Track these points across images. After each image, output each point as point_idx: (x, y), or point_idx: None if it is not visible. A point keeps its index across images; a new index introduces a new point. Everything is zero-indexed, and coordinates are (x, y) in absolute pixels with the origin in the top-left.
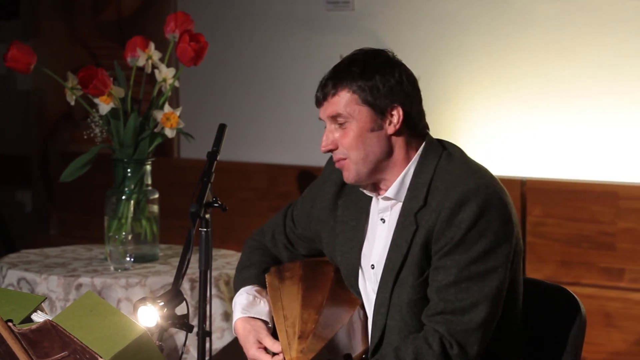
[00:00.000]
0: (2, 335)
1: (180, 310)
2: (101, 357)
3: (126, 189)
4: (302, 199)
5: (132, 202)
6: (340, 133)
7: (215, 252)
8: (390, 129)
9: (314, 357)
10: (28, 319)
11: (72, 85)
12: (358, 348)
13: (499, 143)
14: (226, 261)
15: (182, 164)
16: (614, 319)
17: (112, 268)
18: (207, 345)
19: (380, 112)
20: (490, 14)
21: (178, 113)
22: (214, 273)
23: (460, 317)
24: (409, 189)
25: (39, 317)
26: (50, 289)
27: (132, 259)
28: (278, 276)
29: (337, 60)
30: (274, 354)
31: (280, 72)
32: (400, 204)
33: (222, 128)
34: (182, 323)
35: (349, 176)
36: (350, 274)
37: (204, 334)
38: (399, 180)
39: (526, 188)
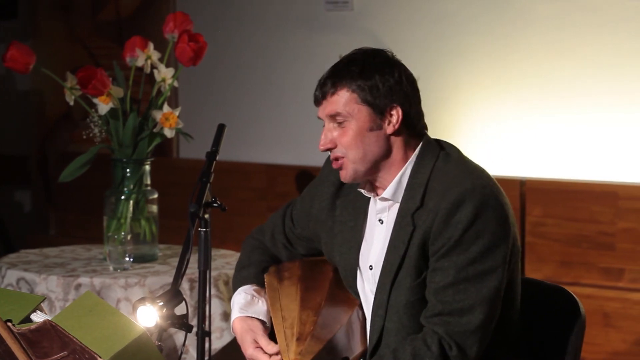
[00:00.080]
0: (1, 336)
1: (180, 310)
2: (100, 357)
3: (125, 189)
4: (301, 199)
5: (131, 202)
6: (339, 132)
7: (215, 252)
8: (389, 129)
9: (312, 358)
10: (27, 319)
11: (71, 85)
12: (357, 348)
13: (499, 143)
14: (225, 261)
15: (181, 164)
16: (613, 319)
17: (111, 268)
18: (207, 345)
19: (380, 112)
20: (490, 14)
21: (177, 113)
22: (213, 273)
23: (458, 319)
24: (406, 190)
25: (38, 317)
26: (50, 289)
27: (131, 259)
28: (277, 276)
29: (337, 60)
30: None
31: (280, 72)
32: (397, 205)
33: (221, 128)
34: (182, 323)
35: (346, 175)
36: (348, 274)
37: (203, 334)
38: (396, 181)
39: (526, 188)
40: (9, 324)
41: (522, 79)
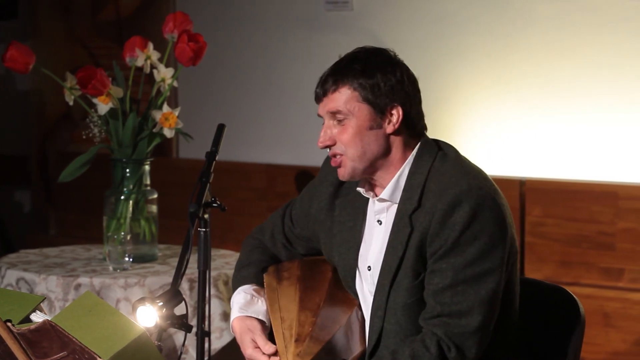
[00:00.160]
0: (1, 336)
1: (179, 310)
2: (100, 357)
3: (125, 189)
4: (300, 199)
5: (130, 202)
6: (339, 129)
7: (214, 252)
8: (389, 128)
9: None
10: (27, 319)
11: (71, 85)
12: (356, 349)
13: (499, 143)
14: (225, 261)
15: (181, 164)
16: (613, 319)
17: (111, 268)
18: (206, 345)
19: (380, 111)
20: (490, 14)
21: (177, 113)
22: (213, 273)
23: (457, 320)
24: (403, 190)
25: (37, 317)
26: (49, 289)
27: (131, 259)
28: (276, 276)
29: (337, 60)
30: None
31: (280, 72)
32: (395, 206)
33: (221, 128)
34: (181, 323)
35: (344, 172)
36: (347, 274)
37: (203, 334)
38: (394, 181)
39: (526, 188)
40: (9, 324)
41: (522, 79)
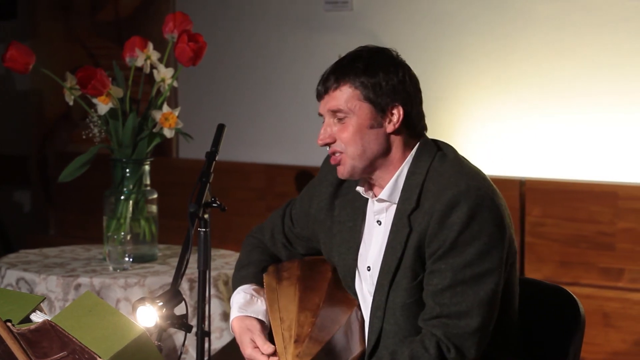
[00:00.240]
0: (1, 336)
1: (179, 310)
2: (100, 357)
3: (125, 189)
4: (300, 199)
5: (130, 202)
6: (339, 127)
7: (214, 252)
8: (390, 128)
9: None
10: (27, 319)
11: (70, 85)
12: (356, 349)
13: (499, 143)
14: (225, 261)
15: (181, 164)
16: (612, 319)
17: (110, 268)
18: (206, 345)
19: (381, 110)
20: (490, 13)
21: (177, 113)
22: (213, 273)
23: (456, 321)
24: (402, 191)
25: (37, 317)
26: (49, 289)
27: (131, 259)
28: (276, 276)
29: (336, 60)
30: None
31: (279, 72)
32: (395, 206)
33: (220, 128)
34: (181, 323)
35: (343, 171)
36: (347, 274)
37: (203, 334)
38: (393, 181)
39: (525, 188)
40: (9, 324)
41: (522, 79)
